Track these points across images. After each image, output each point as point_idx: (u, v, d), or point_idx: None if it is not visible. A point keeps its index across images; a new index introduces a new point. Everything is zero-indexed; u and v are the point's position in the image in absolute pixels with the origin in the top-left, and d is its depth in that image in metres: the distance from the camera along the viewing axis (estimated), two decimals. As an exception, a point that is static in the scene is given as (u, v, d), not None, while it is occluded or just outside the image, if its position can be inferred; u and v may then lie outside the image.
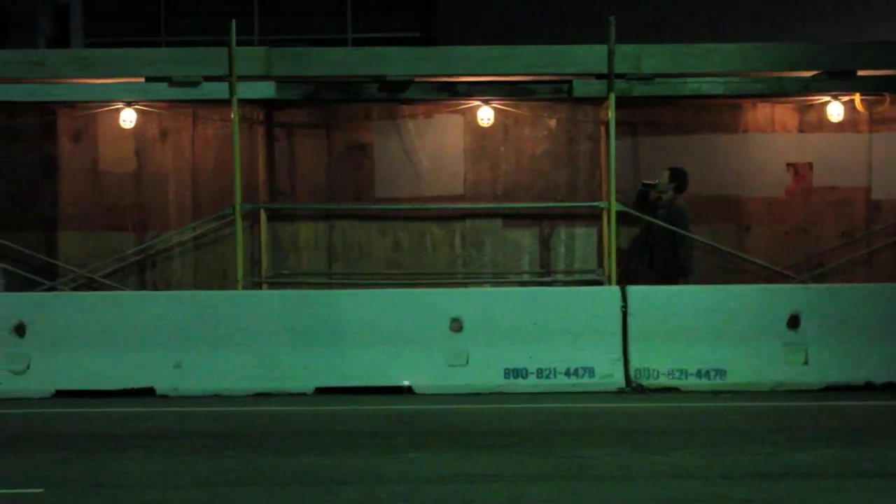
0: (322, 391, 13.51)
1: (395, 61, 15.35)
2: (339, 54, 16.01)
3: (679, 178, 15.54)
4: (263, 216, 16.02)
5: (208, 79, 15.23)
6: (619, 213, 15.17)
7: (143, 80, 15.36)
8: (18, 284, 16.01)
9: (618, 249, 15.26)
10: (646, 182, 15.79)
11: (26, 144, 16.34)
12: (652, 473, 9.18)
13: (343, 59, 15.57)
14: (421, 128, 16.37)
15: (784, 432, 11.02)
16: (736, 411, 12.45)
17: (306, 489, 8.78)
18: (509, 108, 16.12)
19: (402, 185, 16.22)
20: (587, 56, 15.27)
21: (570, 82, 15.57)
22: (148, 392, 13.49)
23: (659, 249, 15.43)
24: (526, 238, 16.28)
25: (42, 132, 16.33)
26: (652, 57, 15.36)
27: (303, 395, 13.45)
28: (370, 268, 16.31)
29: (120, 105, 15.89)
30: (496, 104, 16.03)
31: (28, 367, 13.66)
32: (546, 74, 15.52)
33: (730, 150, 16.34)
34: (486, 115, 16.04)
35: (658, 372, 13.62)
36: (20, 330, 13.75)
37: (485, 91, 15.85)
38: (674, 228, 15.22)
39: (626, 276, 15.37)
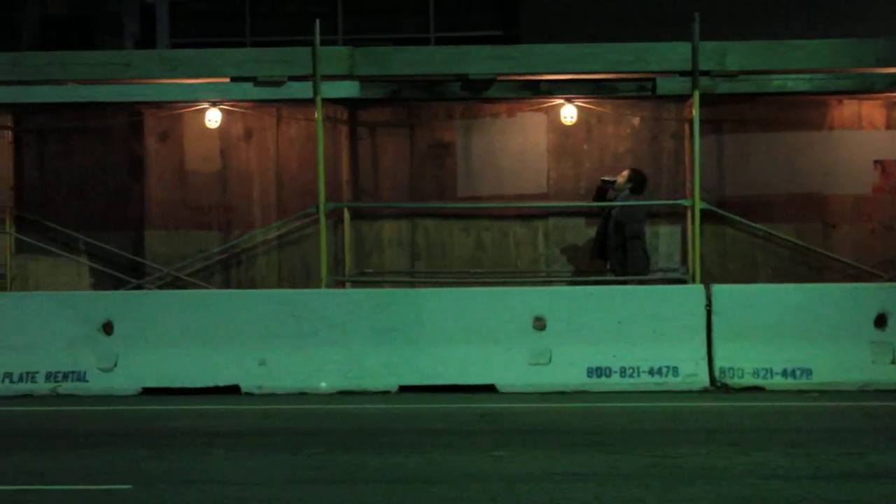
0: (405, 389, 13.53)
1: (478, 60, 15.35)
2: (422, 53, 16.06)
3: (636, 180, 15.39)
4: (347, 215, 16.10)
5: (292, 78, 15.31)
6: (703, 212, 15.08)
7: (228, 80, 15.48)
8: (107, 283, 16.21)
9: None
10: (605, 178, 15.64)
11: (114, 145, 16.54)
12: (740, 473, 9.11)
13: (426, 58, 15.60)
14: (504, 126, 16.37)
15: (872, 432, 10.90)
16: (823, 411, 12.33)
17: (392, 487, 8.80)
18: (592, 107, 16.08)
19: (485, 184, 16.23)
20: (671, 53, 15.18)
21: (653, 80, 15.49)
22: (233, 390, 13.58)
23: (611, 245, 15.31)
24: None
25: (129, 132, 16.52)
26: (737, 54, 15.25)
27: (386, 392, 13.49)
28: (453, 266, 16.34)
29: (205, 105, 16.03)
30: (579, 102, 15.99)
31: (115, 365, 13.80)
32: (629, 72, 15.46)
33: (815, 147, 16.19)
34: (569, 113, 16.00)
35: (743, 371, 13.51)
36: (108, 328, 13.90)
37: (568, 89, 15.81)
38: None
39: (710, 275, 15.29)
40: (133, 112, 16.35)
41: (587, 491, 8.56)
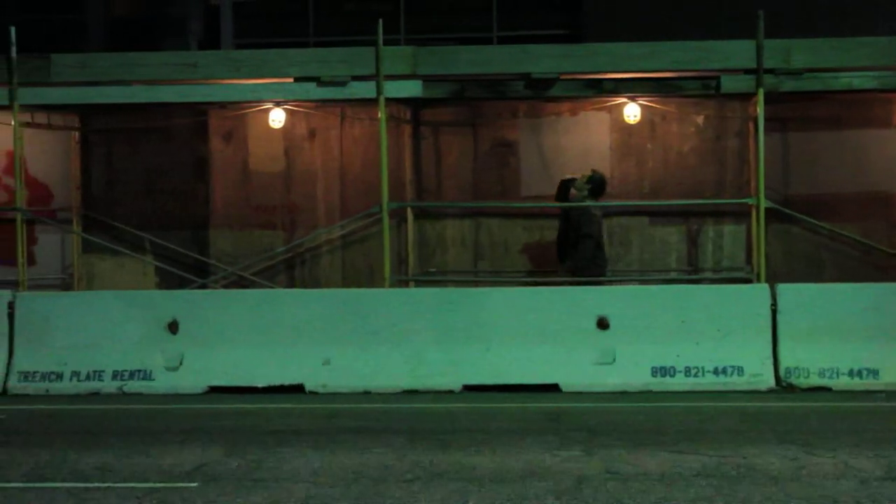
0: (469, 388, 13.54)
1: (541, 58, 15.33)
2: (485, 52, 16.06)
3: (596, 181, 15.27)
4: (410, 214, 16.13)
5: (356, 78, 15.34)
6: (767, 210, 14.99)
7: (291, 80, 15.54)
8: (172, 282, 16.32)
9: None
10: (565, 178, 15.53)
11: (179, 145, 16.66)
12: (809, 474, 9.05)
13: (489, 57, 15.60)
14: (567, 125, 16.35)
15: (941, 433, 10.82)
16: (891, 411, 12.24)
17: (458, 485, 8.81)
18: (656, 105, 16.02)
19: (549, 183, 16.19)
20: (735, 51, 15.09)
21: (717, 78, 15.40)
22: (297, 389, 13.64)
23: (569, 245, 15.23)
24: (673, 235, 16.17)
25: (194, 133, 16.63)
26: (802, 51, 15.13)
27: (450, 392, 13.50)
28: (515, 265, 16.33)
29: (269, 105, 16.11)
30: (643, 101, 15.94)
31: (181, 364, 13.90)
32: (693, 70, 15.38)
33: (881, 145, 16.05)
34: (632, 111, 15.96)
35: (809, 371, 13.41)
36: (173, 327, 14.00)
37: (631, 88, 15.76)
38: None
39: (774, 274, 15.19)
40: (198, 112, 16.45)
41: (653, 491, 8.54)
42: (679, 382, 13.41)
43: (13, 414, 12.58)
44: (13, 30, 15.00)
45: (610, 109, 16.17)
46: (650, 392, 13.32)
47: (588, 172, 15.33)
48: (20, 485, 9.01)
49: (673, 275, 16.06)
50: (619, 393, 13.31)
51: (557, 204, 15.94)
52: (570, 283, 15.23)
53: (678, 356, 13.50)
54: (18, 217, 15.27)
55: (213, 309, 14.18)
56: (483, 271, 16.31)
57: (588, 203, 15.15)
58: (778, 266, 15.74)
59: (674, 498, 8.34)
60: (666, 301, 13.83)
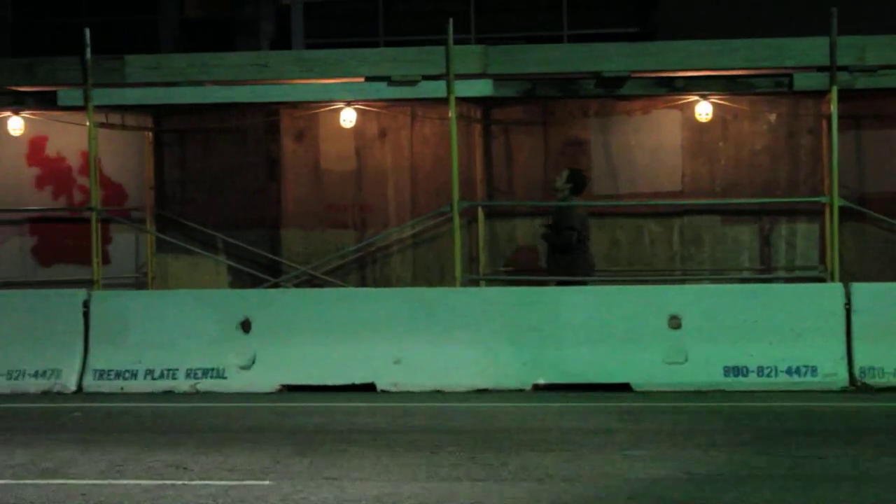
0: (540, 387, 13.52)
1: (613, 57, 15.27)
2: (556, 51, 16.04)
3: (576, 179, 15.14)
4: (481, 213, 16.13)
5: (426, 77, 15.35)
6: (841, 209, 14.86)
7: (362, 79, 15.58)
8: (244, 281, 16.43)
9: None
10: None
11: (251, 144, 16.76)
12: (885, 475, 8.97)
13: (560, 56, 15.56)
14: (638, 124, 16.28)
15: None
16: (968, 412, 12.11)
17: (529, 486, 8.79)
18: (728, 103, 15.92)
19: (620, 182, 16.15)
20: (808, 48, 14.96)
21: (790, 75, 15.27)
22: (369, 387, 13.68)
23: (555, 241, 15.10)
24: (745, 234, 16.07)
25: (266, 132, 16.72)
26: (876, 48, 14.97)
27: (521, 391, 13.49)
28: (588, 263, 16.28)
29: (340, 105, 16.16)
30: (714, 99, 15.84)
31: (254, 363, 13.98)
32: (766, 68, 15.26)
33: (958, 142, 15.89)
34: (704, 110, 15.86)
35: (883, 370, 13.28)
36: (246, 326, 14.09)
37: (703, 86, 15.66)
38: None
39: (848, 273, 15.05)
40: (270, 112, 16.54)
41: (726, 491, 8.49)
42: (752, 382, 13.32)
43: (88, 411, 12.71)
44: (87, 31, 15.15)
45: (681, 108, 16.09)
46: (722, 392, 13.24)
47: (566, 171, 15.29)
48: (97, 481, 9.10)
49: (745, 274, 15.96)
50: (691, 392, 13.24)
51: (627, 203, 15.89)
52: (642, 283, 15.17)
53: (751, 356, 13.41)
54: (93, 216, 15.43)
55: (286, 308, 14.25)
56: (553, 271, 16.26)
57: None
58: (852, 265, 15.59)
59: (748, 499, 8.29)
60: (738, 300, 13.74)
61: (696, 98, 15.86)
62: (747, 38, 15.33)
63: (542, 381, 13.55)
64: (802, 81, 15.23)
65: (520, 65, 15.48)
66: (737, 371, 13.39)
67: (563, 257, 15.02)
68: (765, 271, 16.01)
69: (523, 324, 13.74)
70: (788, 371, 13.32)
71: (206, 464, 9.75)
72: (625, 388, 13.40)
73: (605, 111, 16.32)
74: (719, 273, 16.05)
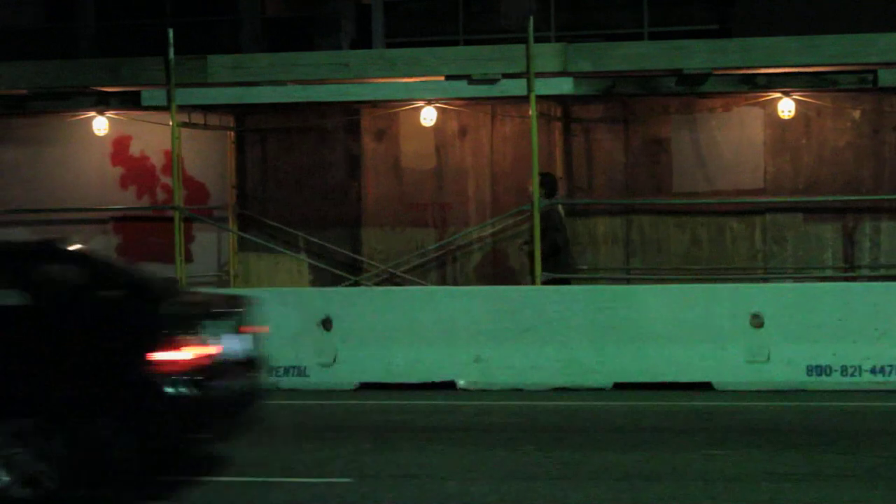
0: (620, 386, 13.47)
1: (694, 54, 15.15)
2: (637, 48, 15.94)
3: (548, 183, 15.01)
4: (562, 211, 16.09)
5: (507, 76, 15.32)
6: (927, 206, 14.68)
7: (442, 78, 15.58)
8: (325, 280, 16.50)
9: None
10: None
11: (332, 143, 16.84)
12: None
13: (640, 54, 15.46)
14: (719, 121, 16.17)
15: None
16: None
17: (610, 484, 8.78)
18: (811, 100, 15.76)
19: (701, 180, 16.05)
20: (893, 44, 14.77)
21: (874, 71, 15.07)
22: (449, 385, 13.70)
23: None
24: (828, 232, 15.90)
25: (347, 131, 16.78)
26: (965, 43, 14.76)
27: (601, 389, 13.45)
28: (668, 263, 16.20)
29: (420, 103, 16.18)
30: (797, 96, 15.69)
31: (334, 360, 14.05)
32: (849, 64, 15.07)
33: None
34: (786, 107, 15.71)
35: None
36: (327, 324, 14.16)
37: (785, 83, 15.51)
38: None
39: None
40: (350, 111, 16.60)
41: (808, 492, 8.42)
42: (835, 382, 13.19)
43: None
44: (171, 32, 15.29)
45: (764, 105, 15.95)
46: (805, 391, 13.12)
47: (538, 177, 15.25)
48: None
49: (828, 272, 15.80)
50: (773, 392, 13.13)
51: (712, 200, 15.78)
52: (724, 281, 15.08)
53: (834, 355, 13.28)
54: (176, 215, 15.57)
55: (366, 306, 14.31)
56: (635, 269, 16.20)
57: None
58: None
59: (830, 499, 8.21)
60: (822, 299, 13.61)
61: (778, 95, 15.71)
62: (829, 33, 15.17)
63: (622, 380, 13.51)
64: (888, 77, 15.02)
65: (601, 62, 15.39)
66: (820, 370, 13.27)
67: (555, 259, 15.00)
68: (848, 269, 15.84)
69: (603, 322, 13.70)
70: (873, 370, 13.18)
71: (287, 461, 9.82)
72: (706, 386, 13.32)
73: (686, 109, 16.21)
74: (802, 271, 15.90)
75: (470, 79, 15.42)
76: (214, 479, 9.20)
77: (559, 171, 16.26)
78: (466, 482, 8.92)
